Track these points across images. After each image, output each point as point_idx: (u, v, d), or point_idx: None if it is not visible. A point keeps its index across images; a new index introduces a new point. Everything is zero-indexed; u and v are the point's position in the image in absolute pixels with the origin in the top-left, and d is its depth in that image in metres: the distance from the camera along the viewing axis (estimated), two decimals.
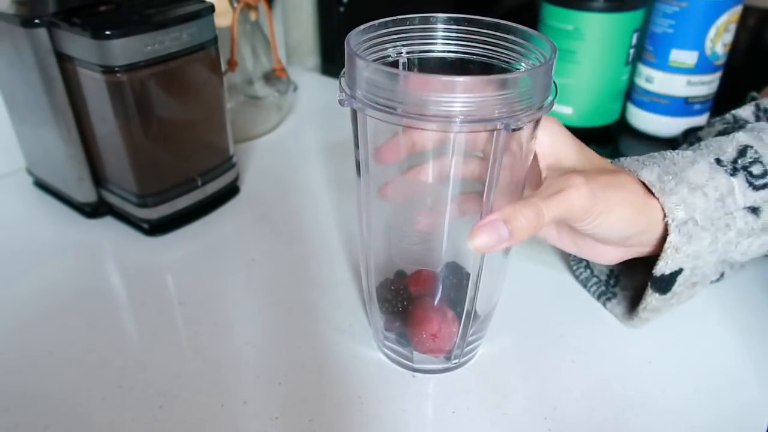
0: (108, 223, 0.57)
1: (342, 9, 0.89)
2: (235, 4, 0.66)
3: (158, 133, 0.52)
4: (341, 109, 0.34)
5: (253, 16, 0.70)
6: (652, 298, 0.41)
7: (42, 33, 0.49)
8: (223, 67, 0.61)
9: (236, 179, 0.61)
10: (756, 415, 0.39)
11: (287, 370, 0.42)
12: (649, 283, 0.41)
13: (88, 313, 0.47)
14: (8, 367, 0.42)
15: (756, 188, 0.39)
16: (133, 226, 0.56)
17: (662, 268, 0.39)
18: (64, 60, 0.50)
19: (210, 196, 0.58)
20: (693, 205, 0.38)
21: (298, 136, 0.76)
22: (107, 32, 0.46)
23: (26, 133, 0.59)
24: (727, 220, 0.39)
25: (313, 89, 0.87)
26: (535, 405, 0.40)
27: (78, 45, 0.48)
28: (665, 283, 0.40)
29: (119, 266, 0.53)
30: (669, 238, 0.38)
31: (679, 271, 0.39)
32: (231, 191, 0.61)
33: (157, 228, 0.55)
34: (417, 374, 0.42)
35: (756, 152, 0.40)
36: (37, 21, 0.48)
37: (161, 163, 0.54)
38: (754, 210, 0.39)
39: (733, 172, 0.39)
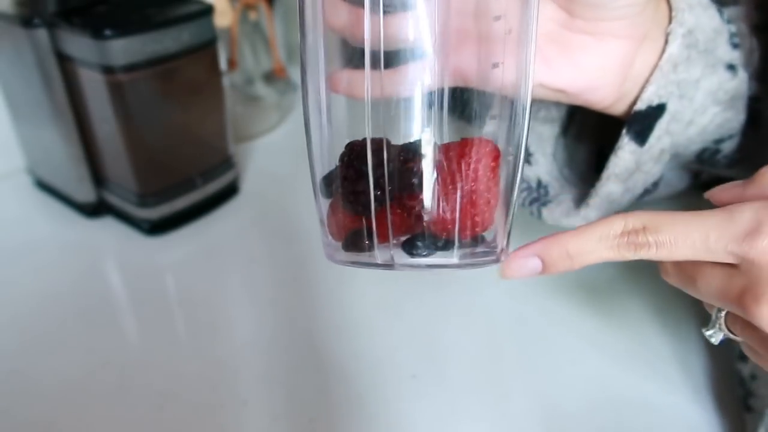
0: (108, 222, 0.57)
1: None
2: (236, 4, 0.66)
3: (158, 132, 0.52)
4: None
5: (252, 16, 0.70)
6: (625, 151, 0.33)
7: (42, 33, 0.49)
8: (223, 67, 0.61)
9: (236, 179, 0.61)
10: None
11: (287, 370, 0.42)
12: (624, 131, 0.32)
13: (88, 313, 0.47)
14: (8, 367, 0.42)
15: (734, 46, 0.34)
16: (133, 226, 0.56)
17: (650, 96, 0.32)
18: (64, 60, 0.50)
19: (210, 196, 0.58)
20: (700, 21, 0.31)
21: (298, 136, 0.75)
22: (107, 32, 0.46)
23: (27, 132, 0.59)
24: (713, 60, 0.32)
25: None
26: (535, 405, 0.40)
27: (78, 45, 0.48)
28: (644, 126, 0.32)
29: (119, 266, 0.53)
30: (669, 50, 0.31)
31: (661, 110, 0.32)
32: (231, 191, 0.61)
33: (157, 228, 0.55)
34: (417, 375, 0.42)
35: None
36: (37, 21, 0.48)
37: (161, 163, 0.54)
38: (732, 67, 0.34)
39: (720, 13, 0.33)
